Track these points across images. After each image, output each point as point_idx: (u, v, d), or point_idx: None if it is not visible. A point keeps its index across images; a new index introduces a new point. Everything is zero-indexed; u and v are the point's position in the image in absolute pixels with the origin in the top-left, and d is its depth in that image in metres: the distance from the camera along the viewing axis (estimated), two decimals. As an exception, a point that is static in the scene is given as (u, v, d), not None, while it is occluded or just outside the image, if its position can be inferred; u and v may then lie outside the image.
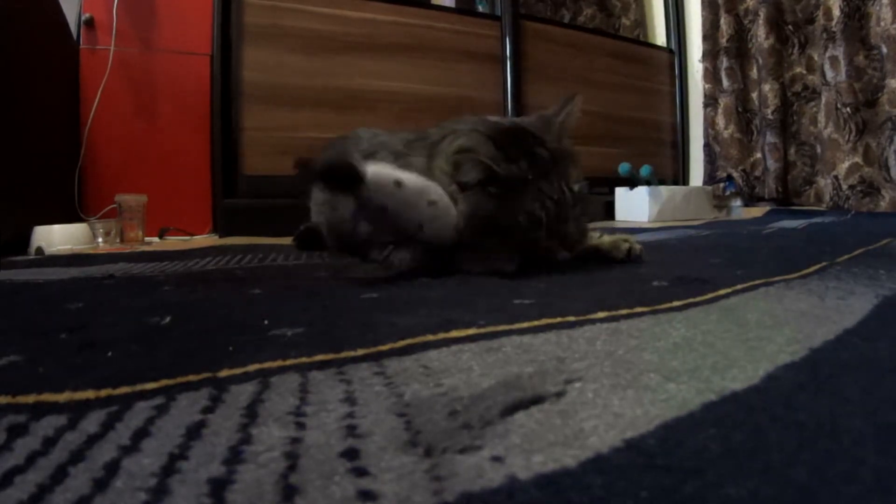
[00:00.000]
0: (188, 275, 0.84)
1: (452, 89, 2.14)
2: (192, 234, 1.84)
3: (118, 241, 1.56)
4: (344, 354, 0.37)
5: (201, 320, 0.50)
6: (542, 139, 0.72)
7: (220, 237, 1.80)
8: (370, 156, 0.90)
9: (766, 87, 2.20)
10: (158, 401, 0.29)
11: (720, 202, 2.46)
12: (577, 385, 0.30)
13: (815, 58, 2.08)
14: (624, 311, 0.47)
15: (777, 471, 0.20)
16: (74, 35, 1.80)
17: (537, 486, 0.20)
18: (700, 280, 0.62)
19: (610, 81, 2.52)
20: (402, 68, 2.06)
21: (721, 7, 2.40)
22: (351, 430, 0.25)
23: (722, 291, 0.55)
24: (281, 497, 0.20)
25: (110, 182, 1.77)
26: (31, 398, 0.30)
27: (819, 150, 2.05)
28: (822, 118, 2.00)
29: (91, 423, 0.27)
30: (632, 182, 2.23)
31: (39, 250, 1.35)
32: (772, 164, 2.19)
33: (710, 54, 2.46)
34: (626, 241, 0.80)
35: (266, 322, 0.47)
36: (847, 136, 1.88)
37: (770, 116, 2.18)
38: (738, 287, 0.57)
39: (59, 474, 0.22)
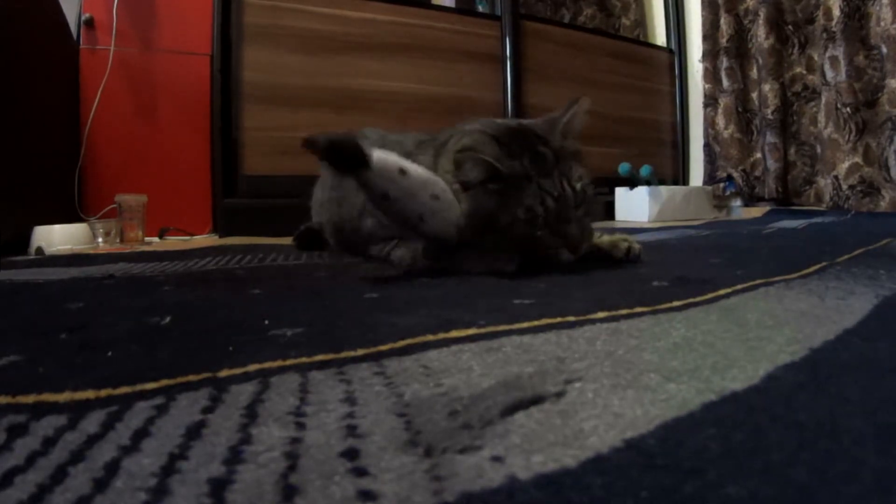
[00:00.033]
0: (188, 275, 0.84)
1: (452, 89, 2.14)
2: (192, 234, 1.84)
3: (118, 241, 1.56)
4: (344, 354, 0.37)
5: (201, 320, 0.50)
6: (546, 138, 0.72)
7: (220, 237, 1.80)
8: None
9: (766, 87, 2.20)
10: (158, 401, 0.29)
11: (720, 202, 2.46)
12: (577, 385, 0.30)
13: (815, 58, 2.08)
14: (624, 311, 0.47)
15: (777, 471, 0.20)
16: (74, 35, 1.80)
17: (537, 486, 0.20)
18: (700, 280, 0.62)
19: (610, 81, 2.52)
20: (402, 68, 2.06)
21: (721, 7, 2.40)
22: (351, 430, 0.25)
23: (722, 291, 0.55)
24: (281, 497, 0.20)
25: (110, 182, 1.77)
26: (31, 398, 0.30)
27: (819, 150, 2.05)
28: (822, 118, 2.00)
29: (91, 423, 0.27)
30: (632, 182, 2.23)
31: (39, 250, 1.35)
32: (772, 164, 2.19)
33: (710, 54, 2.46)
34: (625, 240, 0.80)
35: (266, 322, 0.47)
36: (847, 136, 1.88)
37: (770, 116, 2.18)
38: (738, 287, 0.57)
39: (59, 474, 0.22)
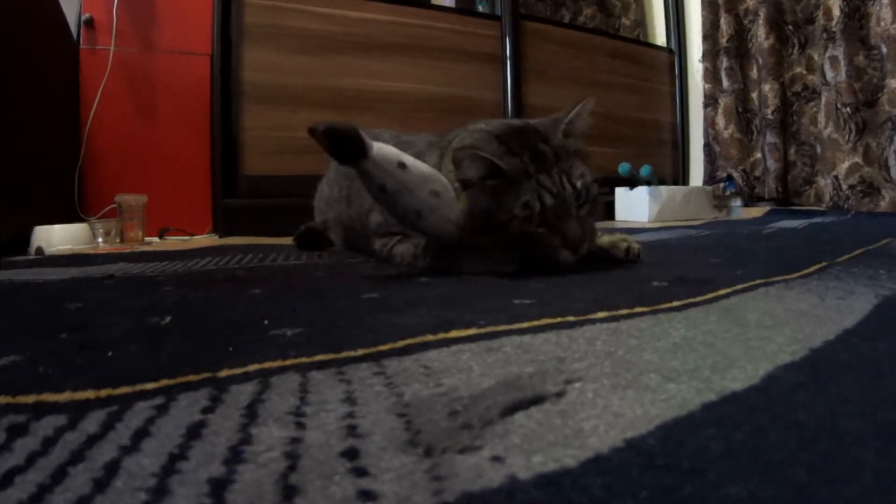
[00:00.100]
0: (188, 275, 0.84)
1: (452, 89, 2.14)
2: (192, 234, 1.84)
3: (118, 241, 1.56)
4: (344, 354, 0.37)
5: (201, 320, 0.50)
6: (547, 136, 0.72)
7: (220, 237, 1.80)
8: None
9: (766, 87, 2.20)
10: (158, 401, 0.29)
11: (720, 202, 2.46)
12: (577, 385, 0.30)
13: (815, 58, 2.08)
14: (624, 311, 0.47)
15: (777, 471, 0.20)
16: (74, 35, 1.80)
17: (537, 486, 0.20)
18: (700, 280, 0.62)
19: (610, 81, 2.52)
20: (402, 68, 2.06)
21: (721, 7, 2.40)
22: (351, 430, 0.25)
23: (722, 291, 0.55)
24: (281, 497, 0.20)
25: (110, 182, 1.77)
26: (31, 398, 0.30)
27: (819, 150, 2.05)
28: (822, 118, 2.00)
29: (91, 423, 0.27)
30: (632, 182, 2.23)
31: (39, 250, 1.35)
32: (772, 164, 2.19)
33: (710, 54, 2.46)
34: (624, 240, 0.80)
35: (266, 322, 0.47)
36: (847, 136, 1.88)
37: (770, 116, 2.18)
38: (738, 287, 0.57)
39: (59, 474, 0.22)
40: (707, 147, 2.52)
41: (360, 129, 0.69)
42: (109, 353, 0.39)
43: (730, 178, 2.39)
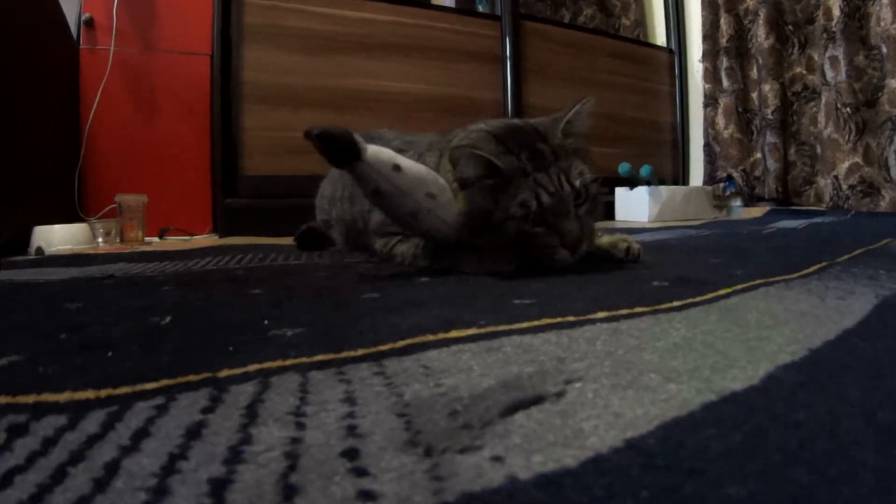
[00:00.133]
0: (188, 275, 0.84)
1: (452, 89, 2.14)
2: (192, 234, 1.84)
3: (118, 241, 1.56)
4: (344, 354, 0.37)
5: (201, 320, 0.50)
6: (546, 135, 0.72)
7: (220, 237, 1.80)
8: (398, 152, 0.92)
9: (766, 87, 2.20)
10: (158, 401, 0.29)
11: (720, 202, 2.46)
12: (577, 385, 0.30)
13: (815, 58, 2.08)
14: (624, 311, 0.47)
15: (777, 471, 0.20)
16: (74, 35, 1.80)
17: (537, 486, 0.20)
18: (700, 280, 0.62)
19: (610, 81, 2.52)
20: (402, 68, 2.06)
21: (721, 7, 2.40)
22: (351, 430, 0.25)
23: (722, 291, 0.55)
24: (281, 497, 0.20)
25: (110, 182, 1.77)
26: (31, 398, 0.30)
27: (819, 150, 2.05)
28: (822, 118, 2.00)
29: (91, 423, 0.27)
30: (632, 182, 2.23)
31: (39, 250, 1.35)
32: (772, 164, 2.19)
33: (710, 54, 2.46)
34: (624, 240, 0.80)
35: (266, 322, 0.47)
36: (847, 136, 1.88)
37: (770, 116, 2.18)
38: (738, 287, 0.57)
39: (59, 474, 0.22)
40: (707, 147, 2.52)
41: (355, 133, 0.69)
42: (109, 353, 0.39)
43: (730, 178, 2.40)
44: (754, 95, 2.34)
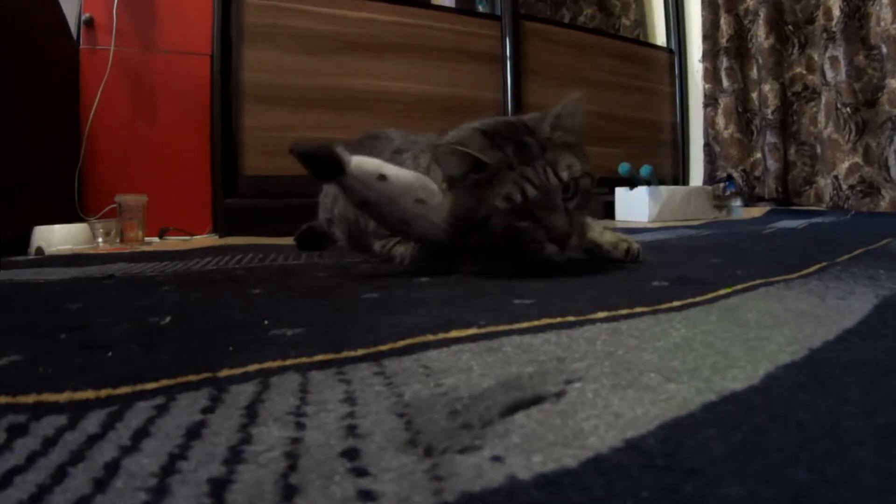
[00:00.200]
0: (188, 275, 0.84)
1: (452, 89, 2.14)
2: (192, 234, 1.84)
3: (118, 241, 1.56)
4: (344, 354, 0.37)
5: (201, 320, 0.50)
6: (533, 129, 0.70)
7: (220, 237, 1.80)
8: (398, 152, 0.92)
9: (766, 87, 2.20)
10: (158, 401, 0.29)
11: (720, 202, 2.46)
12: (577, 385, 0.30)
13: (815, 58, 2.08)
14: (624, 311, 0.47)
15: (777, 471, 0.20)
16: (74, 35, 1.80)
17: (537, 486, 0.20)
18: (700, 280, 0.62)
19: (610, 81, 2.52)
20: (402, 68, 2.06)
21: (721, 7, 2.40)
22: (351, 430, 0.25)
23: (722, 291, 0.55)
24: (281, 497, 0.20)
25: (110, 182, 1.77)
26: (31, 398, 0.30)
27: (819, 150, 2.05)
28: (822, 118, 2.00)
29: (91, 423, 0.27)
30: (632, 182, 2.23)
31: (39, 250, 1.35)
32: (772, 164, 2.19)
33: (710, 54, 2.46)
34: (625, 241, 0.80)
35: (266, 322, 0.47)
36: (847, 136, 1.88)
37: (770, 116, 2.18)
38: (738, 287, 0.57)
39: (59, 474, 0.22)
40: (707, 147, 2.52)
41: (337, 146, 0.69)
42: (109, 353, 0.39)
43: (730, 178, 2.40)
44: (754, 95, 2.34)
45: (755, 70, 2.30)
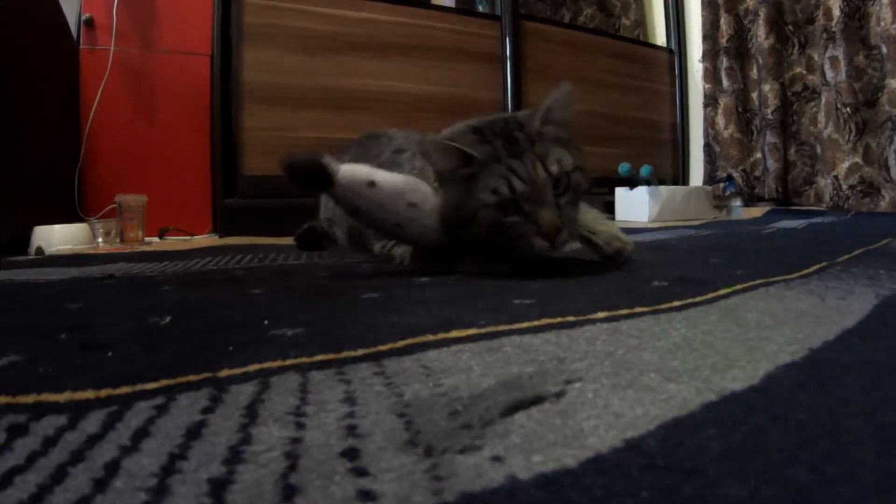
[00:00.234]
0: (188, 275, 0.84)
1: (452, 89, 2.14)
2: (192, 234, 1.84)
3: (118, 241, 1.56)
4: (344, 354, 0.37)
5: (201, 320, 0.50)
6: (523, 124, 0.70)
7: (220, 237, 1.80)
8: (399, 152, 0.92)
9: (766, 87, 2.20)
10: (158, 401, 0.29)
11: (720, 202, 2.46)
12: (577, 385, 0.30)
13: (815, 58, 2.08)
14: (624, 311, 0.47)
15: (777, 471, 0.20)
16: (74, 35, 1.80)
17: (537, 486, 0.20)
18: (700, 280, 0.62)
19: (610, 81, 2.52)
20: (402, 68, 2.06)
21: (721, 7, 2.40)
22: (351, 430, 0.25)
23: (722, 291, 0.55)
24: (281, 497, 0.20)
25: (110, 182, 1.77)
26: (31, 398, 0.30)
27: (819, 150, 2.05)
28: (822, 118, 2.00)
29: (91, 423, 0.27)
30: (632, 182, 2.23)
31: (39, 250, 1.35)
32: (772, 164, 2.19)
33: (710, 54, 2.46)
34: (619, 240, 0.79)
35: (266, 322, 0.47)
36: (847, 136, 1.88)
37: (770, 116, 2.18)
38: (738, 287, 0.57)
39: (59, 474, 0.22)
40: (707, 147, 2.52)
41: (324, 156, 0.69)
42: (109, 353, 0.39)
43: (730, 178, 2.40)
44: (754, 95, 2.34)
45: (755, 70, 2.30)
